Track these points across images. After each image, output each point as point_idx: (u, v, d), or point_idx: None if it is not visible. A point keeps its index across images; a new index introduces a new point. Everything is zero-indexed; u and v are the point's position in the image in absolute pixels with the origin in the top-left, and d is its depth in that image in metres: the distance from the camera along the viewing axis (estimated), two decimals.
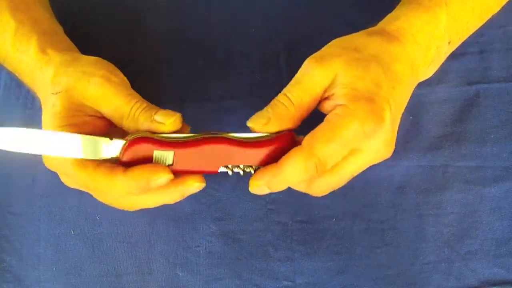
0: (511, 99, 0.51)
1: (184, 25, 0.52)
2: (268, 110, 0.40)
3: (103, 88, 0.40)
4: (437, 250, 0.49)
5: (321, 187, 0.41)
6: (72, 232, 0.51)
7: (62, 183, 0.52)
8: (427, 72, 0.45)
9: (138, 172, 0.38)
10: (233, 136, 0.39)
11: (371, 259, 0.49)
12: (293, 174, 0.38)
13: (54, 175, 0.52)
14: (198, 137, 0.39)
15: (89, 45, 0.52)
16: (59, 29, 0.47)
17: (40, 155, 0.44)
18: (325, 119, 0.39)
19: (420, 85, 0.50)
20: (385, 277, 0.49)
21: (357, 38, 0.41)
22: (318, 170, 0.38)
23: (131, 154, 0.38)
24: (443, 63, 0.46)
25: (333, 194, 0.49)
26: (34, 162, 0.53)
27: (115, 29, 0.53)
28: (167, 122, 0.39)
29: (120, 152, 0.39)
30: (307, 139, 0.38)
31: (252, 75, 0.51)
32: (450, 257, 0.49)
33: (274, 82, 0.51)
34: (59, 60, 0.42)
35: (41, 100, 0.43)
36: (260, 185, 0.39)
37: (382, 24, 0.43)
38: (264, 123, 0.39)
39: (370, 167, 0.49)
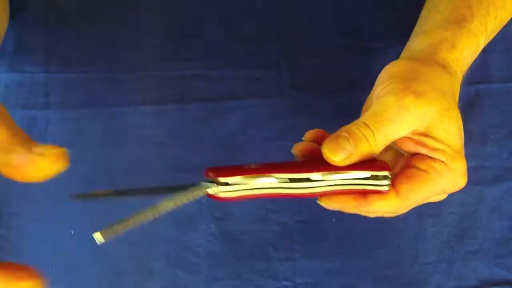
0: (511, 99, 0.51)
1: (184, 25, 0.52)
2: (349, 142, 0.35)
3: None
4: (437, 250, 0.49)
5: None
6: (72, 232, 0.51)
7: (62, 183, 0.52)
8: None
9: None
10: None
11: (371, 259, 0.49)
12: (377, 212, 0.37)
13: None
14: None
15: (89, 45, 0.52)
16: None
17: None
18: (420, 168, 0.37)
19: None
20: (385, 277, 0.49)
21: (440, 75, 0.39)
22: (401, 211, 0.38)
23: None
24: None
25: None
26: None
27: (115, 29, 0.53)
28: (48, 153, 0.30)
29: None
30: (404, 188, 0.36)
31: (252, 75, 0.51)
32: (450, 257, 0.49)
33: (274, 82, 0.51)
34: None
35: None
36: (336, 208, 0.37)
37: (441, 50, 0.40)
38: (345, 158, 0.35)
39: None
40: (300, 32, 0.52)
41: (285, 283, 0.49)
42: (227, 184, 0.35)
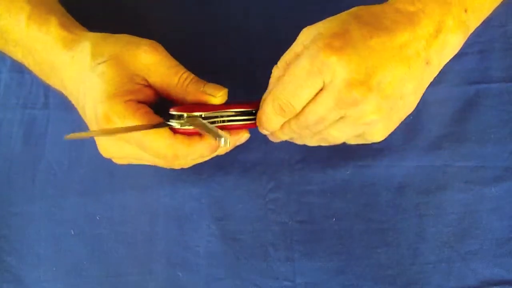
0: (511, 99, 0.51)
1: (183, 25, 0.52)
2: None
3: (152, 56, 0.41)
4: (437, 250, 0.49)
5: (293, 130, 0.41)
6: (72, 232, 0.51)
7: (62, 183, 0.52)
8: (454, 38, 0.41)
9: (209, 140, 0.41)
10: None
11: (371, 259, 0.49)
12: (269, 117, 0.40)
13: (54, 175, 0.52)
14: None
15: None
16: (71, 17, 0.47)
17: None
18: None
19: None
20: (385, 277, 0.49)
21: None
22: (286, 111, 0.39)
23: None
24: None
25: (333, 194, 0.49)
26: (34, 162, 0.53)
27: (115, 30, 0.53)
28: (217, 95, 0.41)
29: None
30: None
31: (253, 75, 0.51)
32: (450, 257, 0.49)
33: None
34: (93, 36, 0.42)
35: (68, 80, 0.43)
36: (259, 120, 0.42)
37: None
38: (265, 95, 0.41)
39: (369, 167, 0.49)
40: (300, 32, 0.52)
41: (285, 283, 0.49)
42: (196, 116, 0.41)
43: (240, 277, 0.49)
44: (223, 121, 0.42)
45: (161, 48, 0.42)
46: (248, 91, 0.51)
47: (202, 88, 0.41)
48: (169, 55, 0.42)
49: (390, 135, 0.42)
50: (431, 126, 0.51)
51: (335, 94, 0.38)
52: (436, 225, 0.50)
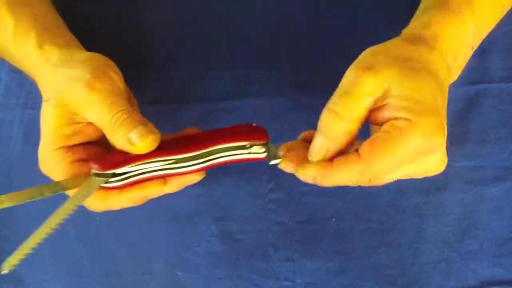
0: (511, 99, 0.51)
1: (184, 26, 0.52)
2: (321, 138, 0.38)
3: (86, 96, 0.38)
4: (437, 250, 0.49)
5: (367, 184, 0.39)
6: (72, 232, 0.51)
7: None
8: (457, 76, 0.44)
9: (133, 193, 0.39)
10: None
11: (371, 259, 0.49)
12: (344, 179, 0.37)
13: None
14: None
15: (88, 45, 0.52)
16: (59, 23, 0.46)
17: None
18: (384, 130, 0.37)
19: None
20: (385, 277, 0.49)
21: (400, 47, 0.39)
22: (371, 181, 0.37)
23: None
24: None
25: (333, 194, 0.49)
26: (34, 162, 0.53)
27: (115, 30, 0.53)
28: (140, 144, 0.37)
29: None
30: (366, 150, 0.36)
31: (252, 75, 0.51)
32: (450, 257, 0.49)
33: (274, 82, 0.51)
34: (54, 60, 0.42)
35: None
36: (307, 176, 0.38)
37: (416, 29, 0.41)
38: (324, 153, 0.38)
39: None
40: (300, 32, 0.52)
41: (285, 283, 0.49)
42: (114, 174, 0.38)
43: (240, 277, 0.49)
44: (153, 171, 0.38)
45: (100, 84, 0.39)
46: (249, 92, 0.51)
47: (127, 134, 0.37)
48: (109, 91, 0.39)
49: None
50: None
51: (424, 168, 0.38)
52: (436, 225, 0.50)
